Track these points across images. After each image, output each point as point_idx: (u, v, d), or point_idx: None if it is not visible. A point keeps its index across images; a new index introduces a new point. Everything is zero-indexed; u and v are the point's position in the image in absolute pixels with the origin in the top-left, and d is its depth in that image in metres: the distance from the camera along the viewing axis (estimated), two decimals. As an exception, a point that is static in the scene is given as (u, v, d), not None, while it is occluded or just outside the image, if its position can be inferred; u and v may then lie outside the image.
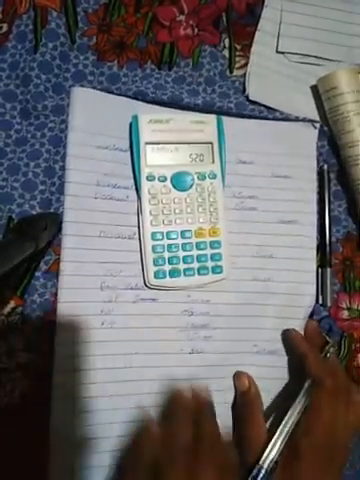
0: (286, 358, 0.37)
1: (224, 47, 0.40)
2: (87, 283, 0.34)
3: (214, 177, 0.35)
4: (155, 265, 0.34)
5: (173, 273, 0.34)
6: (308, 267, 0.38)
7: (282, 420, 0.31)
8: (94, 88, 0.36)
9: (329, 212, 0.39)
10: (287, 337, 0.36)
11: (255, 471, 0.29)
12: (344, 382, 0.33)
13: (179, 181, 0.35)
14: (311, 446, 0.29)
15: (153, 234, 0.34)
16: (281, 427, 0.30)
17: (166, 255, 0.34)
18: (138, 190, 0.35)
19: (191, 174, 0.35)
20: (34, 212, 0.35)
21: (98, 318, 0.34)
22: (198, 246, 0.35)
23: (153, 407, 0.34)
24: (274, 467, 0.29)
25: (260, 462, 0.29)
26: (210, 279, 0.35)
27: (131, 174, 0.36)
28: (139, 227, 0.35)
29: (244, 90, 0.39)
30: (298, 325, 0.37)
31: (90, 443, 0.32)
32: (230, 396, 0.36)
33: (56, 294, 0.34)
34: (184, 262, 0.34)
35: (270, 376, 0.36)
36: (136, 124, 0.34)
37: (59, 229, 0.34)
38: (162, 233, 0.34)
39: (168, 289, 0.35)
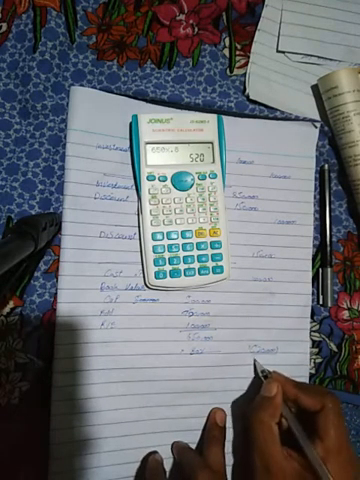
0: (286, 357, 0.37)
1: (224, 46, 0.40)
2: (87, 284, 0.34)
3: (214, 177, 0.35)
4: (155, 265, 0.34)
5: (173, 273, 0.34)
6: (305, 267, 0.38)
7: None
8: (94, 87, 0.36)
9: (330, 212, 0.39)
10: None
11: None
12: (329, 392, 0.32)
13: (179, 181, 0.35)
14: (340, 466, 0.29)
15: (153, 234, 0.34)
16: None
17: (166, 255, 0.34)
18: (138, 190, 0.35)
19: (191, 174, 0.35)
20: (33, 212, 0.35)
21: (98, 319, 0.34)
22: (198, 246, 0.35)
23: (154, 407, 0.34)
24: None
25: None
26: (211, 279, 0.35)
27: (131, 174, 0.35)
28: (139, 227, 0.35)
29: (244, 89, 0.39)
30: (296, 325, 0.37)
31: (90, 444, 0.32)
32: (231, 397, 0.36)
33: (55, 294, 0.33)
34: (184, 262, 0.34)
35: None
36: (136, 124, 0.34)
37: (58, 229, 0.34)
38: (162, 233, 0.34)
39: (168, 289, 0.35)
